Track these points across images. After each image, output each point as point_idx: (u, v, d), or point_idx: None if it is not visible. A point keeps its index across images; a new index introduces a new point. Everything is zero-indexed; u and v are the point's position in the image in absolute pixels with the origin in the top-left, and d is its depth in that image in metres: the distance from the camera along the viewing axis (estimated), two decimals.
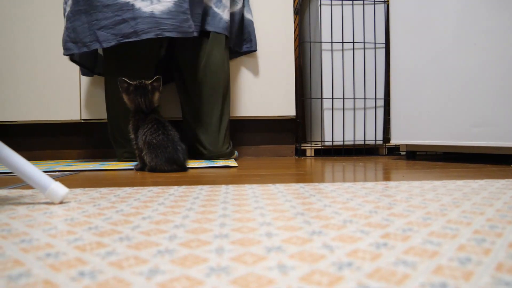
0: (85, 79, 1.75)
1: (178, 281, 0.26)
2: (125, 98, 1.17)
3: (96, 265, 0.30)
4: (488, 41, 1.18)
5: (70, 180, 0.96)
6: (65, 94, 1.75)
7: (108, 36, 1.29)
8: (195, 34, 1.37)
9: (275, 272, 0.28)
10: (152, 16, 1.28)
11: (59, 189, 0.58)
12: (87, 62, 1.59)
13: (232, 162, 1.39)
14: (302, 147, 1.91)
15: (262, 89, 1.82)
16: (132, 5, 1.28)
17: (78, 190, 0.73)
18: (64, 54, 1.36)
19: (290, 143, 1.94)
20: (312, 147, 1.87)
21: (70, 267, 0.30)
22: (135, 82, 1.15)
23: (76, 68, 1.74)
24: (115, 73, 1.41)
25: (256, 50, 1.78)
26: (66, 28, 1.34)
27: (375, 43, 1.83)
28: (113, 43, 1.29)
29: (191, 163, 1.34)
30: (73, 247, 0.35)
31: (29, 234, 0.41)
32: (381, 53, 1.85)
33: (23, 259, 0.32)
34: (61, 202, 0.59)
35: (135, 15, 1.28)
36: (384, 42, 1.84)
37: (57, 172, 1.15)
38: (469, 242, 0.35)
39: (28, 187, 0.81)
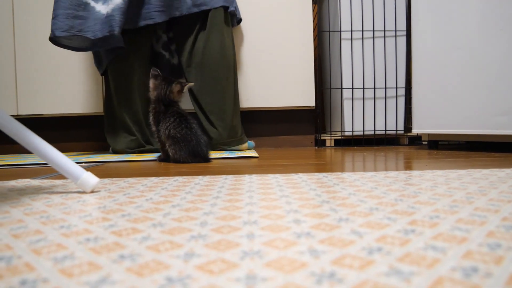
0: None
1: (215, 264, 0.28)
2: (151, 83, 1.19)
3: (134, 249, 0.32)
4: None
5: (97, 170, 0.99)
6: (88, 88, 1.79)
7: (62, 26, 1.35)
8: (141, 24, 1.44)
9: (307, 256, 0.29)
10: (106, 16, 1.36)
11: (90, 178, 0.60)
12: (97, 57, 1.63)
13: (252, 153, 1.41)
14: (322, 138, 1.90)
15: (281, 80, 1.82)
16: (88, 3, 1.38)
17: (106, 180, 0.75)
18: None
19: (309, 134, 1.93)
20: (332, 137, 1.86)
21: (110, 250, 0.31)
22: (165, 76, 1.21)
23: None
24: (115, 60, 1.50)
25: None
26: None
27: (395, 31, 1.81)
28: (66, 34, 1.35)
29: (212, 154, 1.36)
30: (110, 233, 0.37)
31: (67, 220, 0.43)
32: (402, 41, 1.82)
33: (65, 243, 0.34)
34: (92, 191, 0.61)
35: (91, 16, 1.37)
36: (405, 29, 1.81)
37: (83, 163, 1.18)
38: (498, 229, 0.35)
39: (59, 177, 0.84)
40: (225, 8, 1.59)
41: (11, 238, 0.36)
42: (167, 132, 1.12)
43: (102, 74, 1.63)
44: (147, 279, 0.25)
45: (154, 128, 1.19)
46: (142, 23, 1.45)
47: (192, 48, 1.57)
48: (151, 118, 1.19)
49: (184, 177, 0.78)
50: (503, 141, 1.24)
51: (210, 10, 1.54)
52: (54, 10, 1.35)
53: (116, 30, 1.34)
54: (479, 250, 0.30)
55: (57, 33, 1.35)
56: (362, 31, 1.79)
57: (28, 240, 0.35)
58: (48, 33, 1.76)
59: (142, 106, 1.54)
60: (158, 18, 1.46)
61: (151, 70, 1.20)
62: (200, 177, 0.77)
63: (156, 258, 0.29)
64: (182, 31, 1.58)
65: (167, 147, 1.14)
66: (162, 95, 1.16)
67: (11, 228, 0.40)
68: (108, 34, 1.34)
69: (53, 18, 1.35)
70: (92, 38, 1.36)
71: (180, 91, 1.17)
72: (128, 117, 1.53)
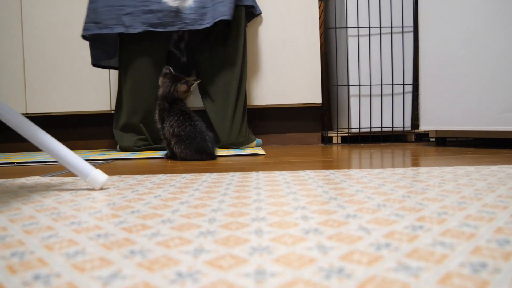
0: (114, 71, 1.79)
1: (224, 259, 0.28)
2: (160, 80, 1.20)
3: (144, 244, 0.32)
4: None
5: (105, 168, 1.00)
6: (95, 86, 1.80)
7: (135, 23, 1.40)
8: (208, 25, 1.44)
9: (315, 252, 0.29)
10: (177, 11, 1.40)
11: (99, 175, 0.61)
12: (107, 48, 1.60)
13: (259, 150, 1.41)
14: (329, 135, 1.90)
15: (287, 77, 1.82)
16: None
17: (115, 177, 0.76)
18: (82, 35, 1.45)
19: (316, 131, 1.93)
20: (338, 135, 1.86)
21: (120, 246, 0.32)
22: (175, 74, 1.22)
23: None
24: (132, 61, 1.50)
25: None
26: (88, 9, 1.44)
27: (402, 27, 1.79)
28: (139, 30, 1.40)
29: (219, 151, 1.36)
30: (120, 229, 0.37)
31: (77, 217, 0.43)
32: (409, 37, 1.81)
33: (76, 239, 0.34)
34: (101, 188, 0.62)
35: (162, 8, 1.40)
36: (412, 26, 1.80)
37: (92, 161, 1.19)
38: (507, 225, 0.35)
39: (68, 174, 0.85)
40: (247, 7, 1.59)
41: (24, 234, 0.37)
42: (171, 130, 1.13)
43: (93, 65, 1.63)
44: (158, 274, 0.26)
45: (159, 126, 1.20)
46: (209, 23, 1.44)
47: (210, 45, 1.57)
48: (156, 115, 1.20)
49: (192, 174, 0.78)
50: (511, 138, 1.23)
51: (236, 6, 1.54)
52: (123, 6, 1.39)
53: (187, 28, 1.42)
54: (488, 246, 0.30)
55: (131, 30, 1.39)
56: (369, 27, 1.78)
57: (40, 236, 0.36)
58: (55, 30, 1.77)
59: (155, 106, 1.54)
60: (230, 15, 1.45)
61: (163, 68, 1.22)
62: (208, 174, 0.77)
63: (166, 254, 0.30)
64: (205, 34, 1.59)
65: (172, 144, 1.15)
66: (167, 93, 1.16)
67: (23, 224, 0.40)
68: (178, 29, 1.42)
69: (125, 15, 1.39)
70: (162, 31, 1.41)
71: (187, 91, 1.18)
72: (141, 116, 1.53)
